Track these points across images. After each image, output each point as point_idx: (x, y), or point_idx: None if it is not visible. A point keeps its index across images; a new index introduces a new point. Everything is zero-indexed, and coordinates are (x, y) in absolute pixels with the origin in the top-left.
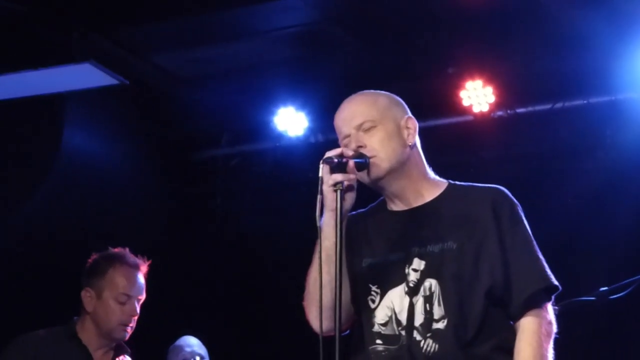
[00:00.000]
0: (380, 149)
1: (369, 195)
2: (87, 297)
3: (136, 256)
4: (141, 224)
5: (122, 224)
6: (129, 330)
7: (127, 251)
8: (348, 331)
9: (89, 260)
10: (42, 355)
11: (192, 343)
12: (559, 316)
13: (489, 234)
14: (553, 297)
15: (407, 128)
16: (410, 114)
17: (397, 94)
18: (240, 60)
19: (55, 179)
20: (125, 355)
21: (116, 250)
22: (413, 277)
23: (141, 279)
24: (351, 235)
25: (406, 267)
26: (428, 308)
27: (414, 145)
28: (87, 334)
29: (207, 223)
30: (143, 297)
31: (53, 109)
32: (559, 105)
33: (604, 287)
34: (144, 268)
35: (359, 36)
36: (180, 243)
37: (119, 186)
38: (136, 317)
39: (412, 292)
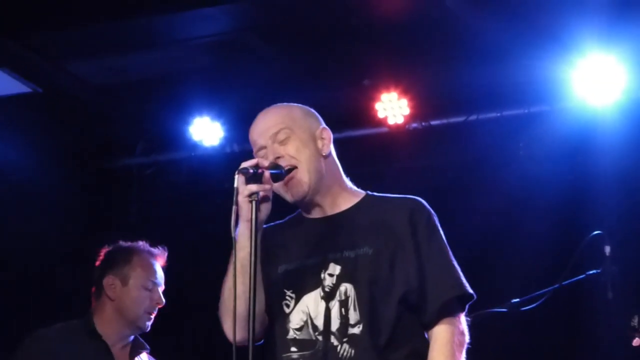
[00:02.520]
0: (297, 156)
1: (285, 205)
2: (111, 285)
3: (154, 247)
4: (53, 234)
5: (34, 233)
6: (151, 320)
7: (143, 242)
8: (262, 341)
9: (104, 252)
10: (60, 351)
11: None
12: (470, 327)
13: (405, 242)
14: (467, 307)
15: (322, 138)
16: (324, 125)
17: (313, 105)
18: (156, 69)
19: None
20: (144, 352)
21: (132, 242)
22: (329, 281)
23: (160, 268)
24: (267, 246)
25: (322, 272)
26: (344, 313)
27: (329, 155)
28: (108, 325)
29: (122, 233)
30: (163, 287)
31: None
32: (472, 117)
33: (516, 298)
34: (162, 258)
35: (275, 46)
36: (94, 253)
37: (30, 195)
38: (160, 306)
39: (328, 296)
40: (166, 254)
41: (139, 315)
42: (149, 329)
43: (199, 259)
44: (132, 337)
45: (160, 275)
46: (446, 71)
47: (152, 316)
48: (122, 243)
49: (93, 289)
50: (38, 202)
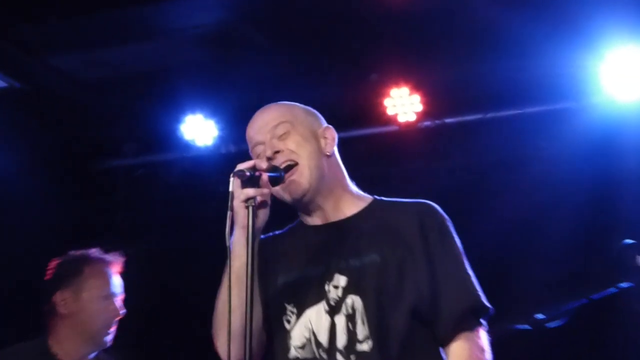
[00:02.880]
0: (298, 151)
1: (285, 212)
2: (63, 301)
3: (107, 253)
4: (37, 239)
5: (12, 242)
6: (112, 333)
7: (96, 250)
8: None
9: (53, 264)
10: None
11: None
12: (491, 345)
13: (415, 249)
14: (485, 321)
15: (325, 137)
16: (328, 125)
17: (316, 101)
18: (145, 63)
19: None
20: None
21: (83, 250)
22: (334, 293)
23: (116, 275)
24: (265, 256)
25: (326, 283)
26: (351, 327)
27: (332, 155)
28: (64, 345)
29: (108, 240)
30: (122, 295)
31: None
32: (491, 114)
33: (540, 313)
34: (119, 265)
35: (275, 38)
36: None
37: (8, 201)
38: (119, 319)
39: (333, 310)
40: (122, 259)
41: (97, 330)
42: (109, 344)
43: (191, 268)
44: (92, 355)
45: (116, 283)
46: (462, 64)
47: (112, 330)
48: (72, 253)
49: (44, 307)
50: (16, 208)
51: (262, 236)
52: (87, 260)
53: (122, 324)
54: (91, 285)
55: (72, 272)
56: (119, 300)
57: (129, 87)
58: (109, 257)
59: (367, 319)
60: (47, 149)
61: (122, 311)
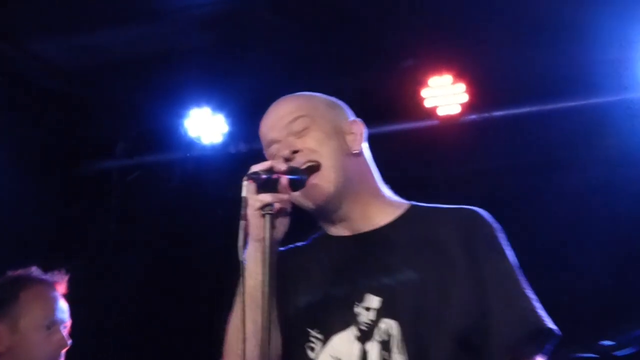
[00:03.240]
0: (319, 149)
1: (308, 220)
2: None
3: (47, 273)
4: (13, 253)
5: None
6: None
7: (35, 269)
8: None
9: None
10: None
11: None
12: None
13: (460, 263)
14: (546, 347)
15: (352, 133)
16: (355, 118)
17: (341, 92)
18: (141, 48)
19: None
20: None
21: (20, 271)
22: (365, 317)
23: (61, 299)
24: (284, 273)
25: (355, 305)
26: (386, 357)
27: (360, 154)
28: None
29: (98, 254)
30: (69, 322)
31: None
32: (548, 107)
33: (607, 340)
34: (62, 286)
35: (294, 19)
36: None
37: None
38: (66, 350)
39: (365, 336)
40: (66, 278)
41: None
42: None
43: (195, 288)
44: None
45: (61, 308)
46: (514, 47)
47: None
48: (8, 274)
49: None
50: None
51: (280, 249)
52: (24, 282)
53: (118, 345)
54: (30, 313)
55: (6, 298)
56: (65, 328)
57: (122, 77)
58: (50, 277)
59: (404, 346)
60: (26, 148)
61: (69, 341)
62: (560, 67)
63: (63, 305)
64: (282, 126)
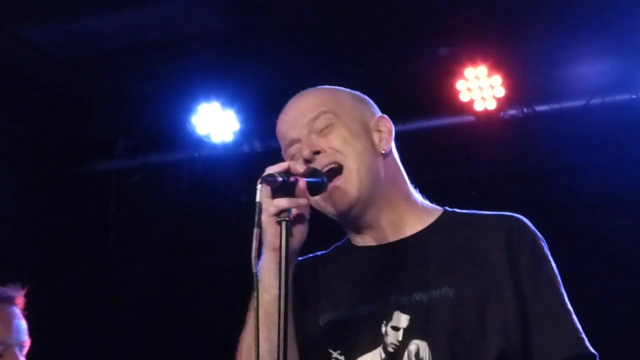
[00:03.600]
0: (344, 150)
1: (326, 228)
2: None
3: (4, 286)
4: (3, 262)
5: None
6: None
7: None
8: None
9: None
10: None
11: None
12: None
13: (501, 279)
14: None
15: (379, 131)
16: (382, 114)
17: (367, 85)
18: (145, 36)
19: None
20: None
21: None
22: (393, 338)
23: (19, 317)
24: (304, 286)
25: (383, 325)
26: None
27: (388, 155)
28: None
29: (96, 263)
30: (27, 342)
31: None
32: (595, 101)
33: None
34: (20, 301)
35: (318, 4)
36: (56, 288)
37: None
38: None
39: (392, 359)
40: (23, 292)
41: None
42: None
43: (205, 304)
44: None
45: (17, 327)
46: (558, 37)
47: None
48: None
49: None
50: None
51: (298, 259)
52: None
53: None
54: None
55: None
56: (22, 349)
57: (123, 67)
58: (6, 291)
59: None
60: (17, 146)
61: None
62: (607, 57)
63: (20, 324)
64: (303, 124)
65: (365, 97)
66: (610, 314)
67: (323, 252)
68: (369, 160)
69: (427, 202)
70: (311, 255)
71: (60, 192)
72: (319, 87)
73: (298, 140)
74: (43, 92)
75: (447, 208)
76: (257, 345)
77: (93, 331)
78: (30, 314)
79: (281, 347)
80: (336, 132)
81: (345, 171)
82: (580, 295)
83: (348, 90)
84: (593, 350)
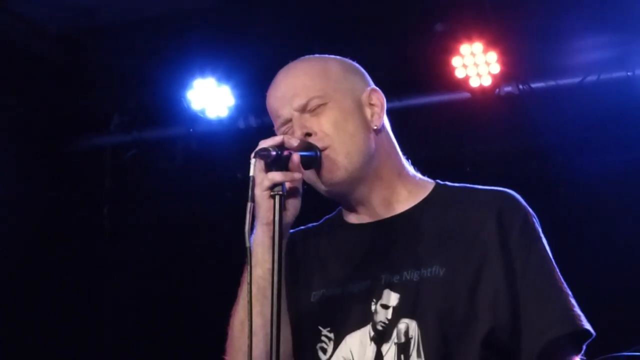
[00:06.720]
0: (335, 135)
1: (319, 201)
2: None
3: None
4: None
5: None
6: None
7: None
8: None
9: None
10: None
11: None
12: None
13: (492, 256)
14: (583, 348)
15: (371, 105)
16: (374, 85)
17: (361, 60)
18: (138, 10)
19: None
20: None
21: None
22: (382, 316)
23: None
24: (296, 260)
25: (372, 303)
26: None
27: (381, 129)
28: None
29: (90, 241)
30: None
31: None
32: (591, 78)
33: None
34: None
35: None
36: (48, 267)
37: None
38: None
39: (381, 337)
40: None
41: None
42: None
43: (200, 279)
44: None
45: None
46: (554, 14)
47: None
48: None
49: None
50: None
51: (290, 231)
52: None
53: (115, 337)
54: None
55: None
56: None
57: (117, 42)
58: None
59: (424, 350)
60: (9, 121)
61: None
62: (604, 32)
63: None
64: (295, 106)
65: (356, 65)
66: (606, 291)
67: (314, 224)
68: (361, 142)
69: (419, 175)
70: (302, 227)
71: (55, 167)
72: (308, 58)
73: (290, 120)
74: (38, 68)
75: (438, 181)
76: (250, 320)
77: (88, 307)
78: (25, 290)
79: (274, 321)
80: (328, 113)
81: (333, 154)
82: (575, 272)
83: (338, 59)
84: (588, 327)
